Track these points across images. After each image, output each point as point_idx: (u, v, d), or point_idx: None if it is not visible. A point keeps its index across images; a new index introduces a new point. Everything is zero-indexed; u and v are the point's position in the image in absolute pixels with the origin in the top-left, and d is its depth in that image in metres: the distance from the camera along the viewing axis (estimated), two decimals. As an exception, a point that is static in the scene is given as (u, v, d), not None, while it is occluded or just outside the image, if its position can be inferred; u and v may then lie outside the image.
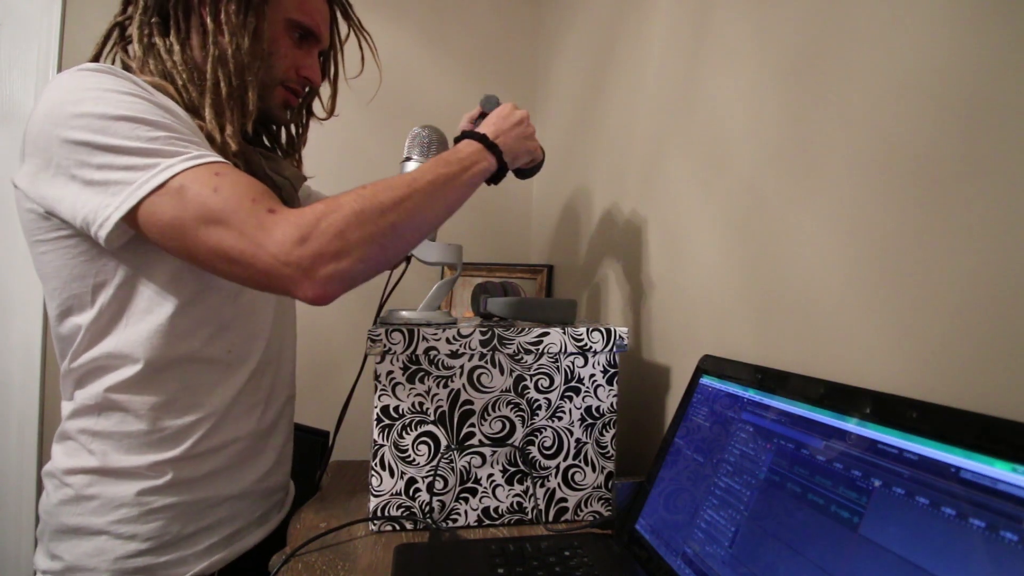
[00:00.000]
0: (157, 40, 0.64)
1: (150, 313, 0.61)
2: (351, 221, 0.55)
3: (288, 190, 0.75)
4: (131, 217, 0.53)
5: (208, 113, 0.63)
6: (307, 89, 0.77)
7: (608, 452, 0.72)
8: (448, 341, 0.69)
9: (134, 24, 0.64)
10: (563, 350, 0.71)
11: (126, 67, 0.66)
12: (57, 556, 0.61)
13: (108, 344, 0.61)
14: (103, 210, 0.53)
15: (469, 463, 0.70)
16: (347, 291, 0.56)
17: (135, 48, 0.64)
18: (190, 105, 0.63)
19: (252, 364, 0.69)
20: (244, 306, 0.68)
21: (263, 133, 0.81)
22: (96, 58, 0.67)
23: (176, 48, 0.64)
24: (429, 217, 0.63)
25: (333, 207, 0.55)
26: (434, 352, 0.69)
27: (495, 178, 0.72)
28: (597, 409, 0.72)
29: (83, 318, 0.61)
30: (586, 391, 0.72)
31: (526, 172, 0.82)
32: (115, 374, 0.61)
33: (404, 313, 0.76)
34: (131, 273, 0.60)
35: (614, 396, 0.72)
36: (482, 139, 0.70)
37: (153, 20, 0.64)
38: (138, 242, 0.58)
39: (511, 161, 0.73)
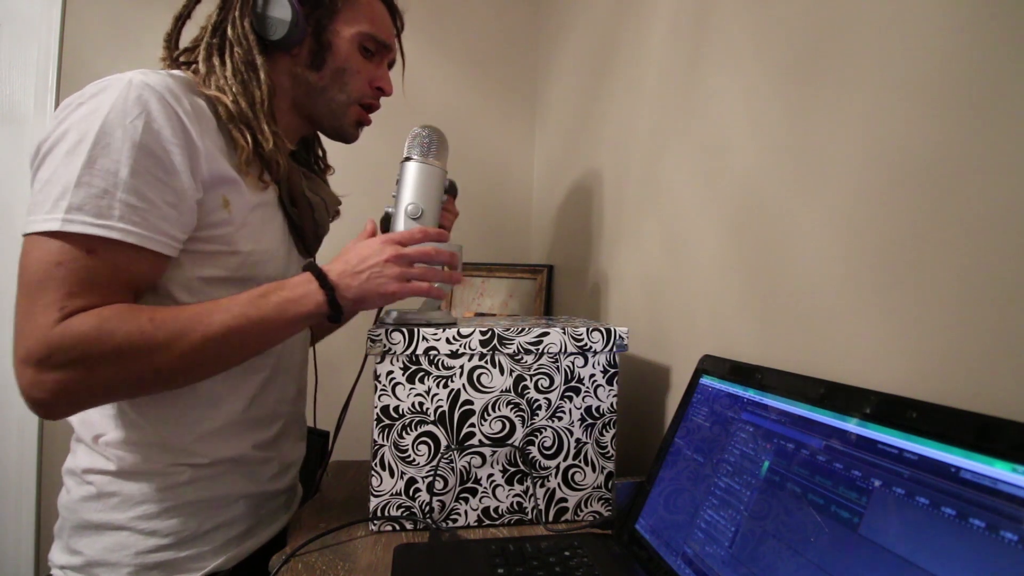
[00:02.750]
0: (215, 61, 0.65)
1: None
2: (107, 357, 0.53)
3: (321, 209, 0.77)
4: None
5: (261, 123, 0.65)
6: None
7: (608, 452, 0.72)
8: (448, 341, 0.69)
9: (201, 45, 0.66)
10: (563, 350, 0.71)
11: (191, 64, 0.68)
12: (77, 551, 0.62)
13: None
14: (30, 215, 0.55)
15: (469, 463, 0.70)
16: (74, 411, 0.58)
17: (199, 67, 0.65)
18: (240, 115, 0.63)
19: (265, 373, 0.71)
20: None
21: (303, 152, 0.83)
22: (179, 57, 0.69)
23: (229, 72, 0.65)
24: (211, 365, 0.59)
25: (101, 334, 0.52)
26: (434, 352, 0.69)
27: (332, 317, 0.64)
28: (597, 409, 0.72)
29: None
30: (586, 391, 0.72)
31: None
32: None
33: (404, 313, 0.76)
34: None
35: (614, 396, 0.72)
36: (319, 276, 0.63)
37: (214, 41, 0.66)
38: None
39: (352, 303, 0.64)
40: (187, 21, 0.69)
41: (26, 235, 0.54)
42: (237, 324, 0.58)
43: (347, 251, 0.68)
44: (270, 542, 0.73)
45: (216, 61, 0.65)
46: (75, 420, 0.64)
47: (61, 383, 0.52)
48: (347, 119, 0.75)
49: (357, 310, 0.66)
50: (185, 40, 0.70)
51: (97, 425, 0.62)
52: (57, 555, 0.64)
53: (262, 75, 0.66)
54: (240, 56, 0.66)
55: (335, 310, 0.63)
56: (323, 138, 0.85)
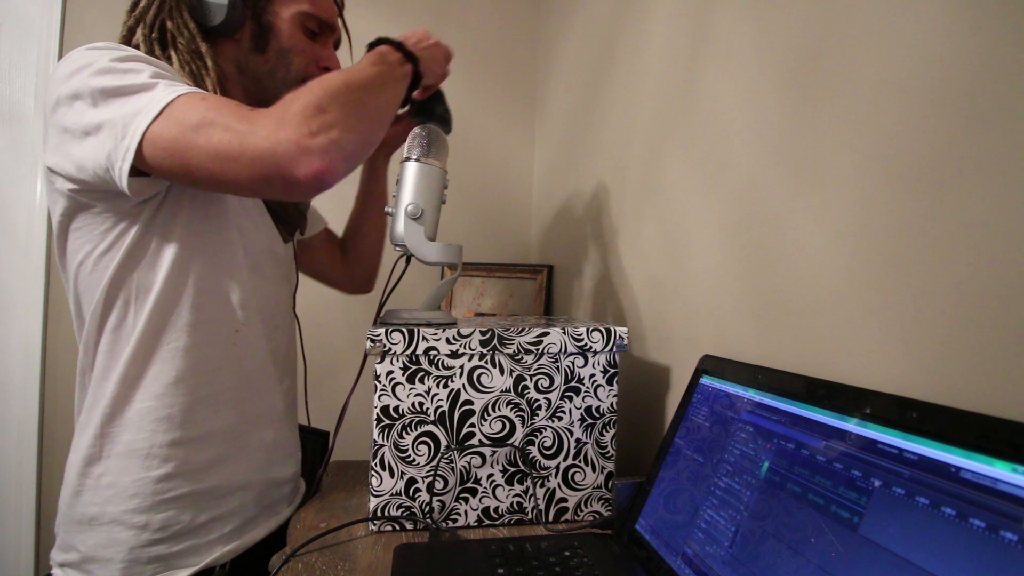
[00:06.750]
0: (158, 53, 0.66)
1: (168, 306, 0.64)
2: (323, 96, 0.57)
3: (292, 210, 0.79)
4: (140, 151, 0.55)
5: None
6: None
7: (608, 452, 0.72)
8: (448, 341, 0.69)
9: (139, 37, 0.66)
10: (563, 350, 0.71)
11: None
12: (73, 547, 0.63)
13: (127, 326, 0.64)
14: (120, 145, 0.55)
15: (469, 463, 0.70)
16: (345, 167, 0.57)
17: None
18: None
19: (262, 349, 0.72)
20: (258, 296, 0.71)
21: None
22: None
23: (176, 65, 0.66)
24: (382, 105, 0.65)
25: (302, 90, 0.57)
26: (434, 352, 0.69)
27: (411, 87, 0.72)
28: (597, 409, 0.72)
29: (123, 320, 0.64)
30: (586, 391, 0.72)
31: (445, 123, 0.82)
32: (131, 350, 0.63)
33: (404, 313, 0.76)
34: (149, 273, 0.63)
35: (614, 396, 0.72)
36: (399, 46, 0.70)
37: (154, 36, 0.66)
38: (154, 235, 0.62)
39: (426, 74, 0.73)
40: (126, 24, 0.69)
41: (155, 119, 0.55)
42: (379, 76, 0.65)
43: (401, 35, 0.73)
44: (271, 537, 0.73)
45: (160, 54, 0.66)
46: (87, 402, 0.65)
47: (310, 122, 0.55)
48: None
49: (421, 82, 0.73)
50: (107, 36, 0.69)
51: (103, 402, 0.63)
52: (56, 552, 0.65)
53: (209, 62, 0.67)
54: (184, 46, 0.66)
55: (415, 66, 0.71)
56: None
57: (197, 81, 0.65)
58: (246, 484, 0.70)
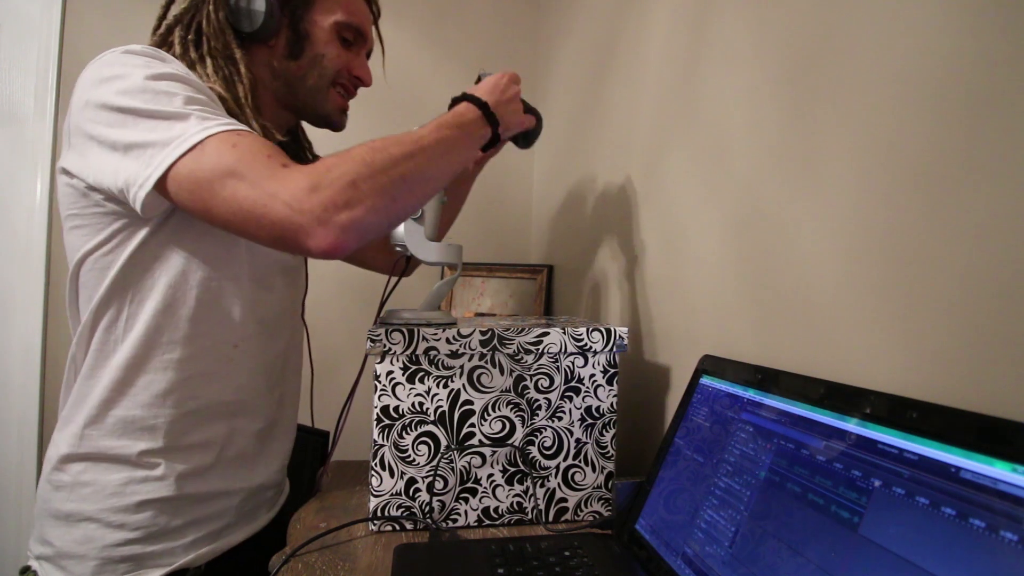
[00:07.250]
0: (193, 56, 0.66)
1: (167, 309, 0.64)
2: (362, 171, 0.55)
3: None
4: (162, 181, 0.55)
5: (248, 118, 0.66)
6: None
7: (608, 452, 0.72)
8: (448, 341, 0.69)
9: (175, 37, 0.66)
10: (563, 350, 0.71)
11: None
12: (48, 542, 0.63)
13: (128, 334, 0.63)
14: (142, 172, 0.55)
15: (469, 463, 0.70)
16: (360, 243, 0.56)
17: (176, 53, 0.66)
18: (227, 111, 0.64)
19: (257, 361, 0.71)
20: (260, 308, 0.70)
21: (292, 144, 0.84)
22: None
23: (210, 69, 0.66)
24: (434, 176, 0.63)
25: (344, 158, 0.56)
26: (434, 352, 0.69)
27: (487, 147, 0.72)
28: (597, 409, 0.72)
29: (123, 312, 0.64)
30: (586, 391, 0.72)
31: (527, 140, 0.83)
32: (122, 355, 0.63)
33: (404, 313, 0.76)
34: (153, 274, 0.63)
35: (614, 396, 0.72)
36: (483, 107, 0.69)
37: (190, 38, 0.66)
38: (161, 244, 0.62)
39: (504, 132, 0.72)
40: (164, 22, 0.69)
41: (182, 156, 0.54)
42: (445, 142, 0.64)
43: (485, 84, 0.73)
44: (250, 540, 0.72)
45: (194, 56, 0.66)
46: (72, 398, 0.64)
47: (337, 197, 0.54)
48: (330, 104, 0.76)
49: (502, 139, 0.74)
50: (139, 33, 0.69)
51: (88, 403, 0.63)
52: (33, 544, 0.65)
53: (242, 68, 0.67)
54: (219, 51, 0.66)
55: (496, 135, 0.71)
56: (309, 133, 0.85)
57: (229, 86, 0.65)
58: (228, 491, 0.69)
